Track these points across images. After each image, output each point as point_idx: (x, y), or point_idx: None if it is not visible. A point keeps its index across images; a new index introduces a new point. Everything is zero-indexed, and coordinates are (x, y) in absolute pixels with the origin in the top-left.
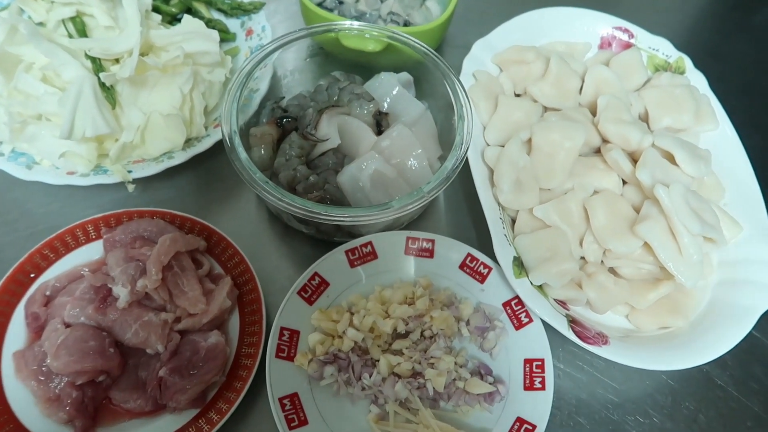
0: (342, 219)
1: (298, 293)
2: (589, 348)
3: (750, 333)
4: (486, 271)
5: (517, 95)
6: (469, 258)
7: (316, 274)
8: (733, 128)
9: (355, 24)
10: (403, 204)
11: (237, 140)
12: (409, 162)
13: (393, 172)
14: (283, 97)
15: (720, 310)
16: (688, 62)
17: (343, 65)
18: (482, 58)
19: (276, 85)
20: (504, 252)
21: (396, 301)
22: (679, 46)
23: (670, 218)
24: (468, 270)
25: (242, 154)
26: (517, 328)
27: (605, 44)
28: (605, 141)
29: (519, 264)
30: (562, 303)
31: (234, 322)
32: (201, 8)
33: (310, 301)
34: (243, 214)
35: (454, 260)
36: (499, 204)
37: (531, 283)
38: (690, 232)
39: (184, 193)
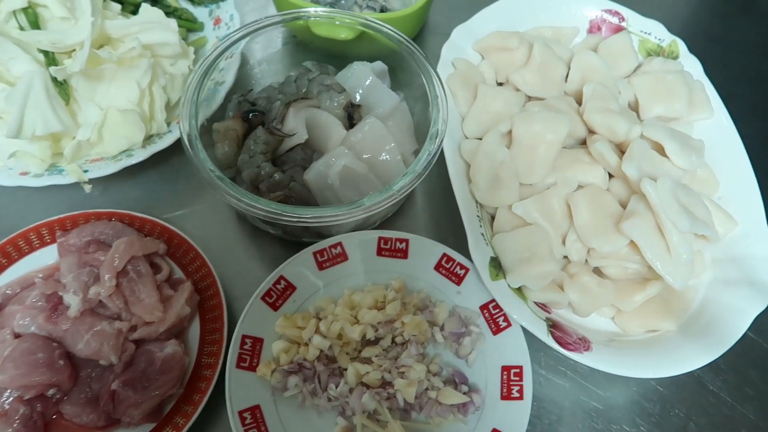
0: (305, 219)
1: (262, 298)
2: (568, 355)
3: (746, 335)
4: (463, 272)
5: (500, 84)
6: (445, 258)
7: (281, 277)
8: (730, 117)
9: (326, 11)
10: (371, 203)
11: (195, 136)
12: (382, 157)
13: (364, 168)
14: (251, 90)
15: (713, 311)
16: (682, 46)
17: (318, 55)
18: (462, 46)
19: (246, 76)
20: (480, 252)
21: (366, 305)
22: (674, 30)
23: (657, 214)
24: (444, 271)
25: (200, 151)
26: (494, 333)
27: (594, 28)
28: (591, 132)
29: (496, 265)
30: (543, 306)
31: (194, 330)
32: None
33: (275, 307)
34: (210, 213)
35: (430, 261)
36: (476, 201)
37: (509, 285)
38: (679, 229)
39: (149, 192)
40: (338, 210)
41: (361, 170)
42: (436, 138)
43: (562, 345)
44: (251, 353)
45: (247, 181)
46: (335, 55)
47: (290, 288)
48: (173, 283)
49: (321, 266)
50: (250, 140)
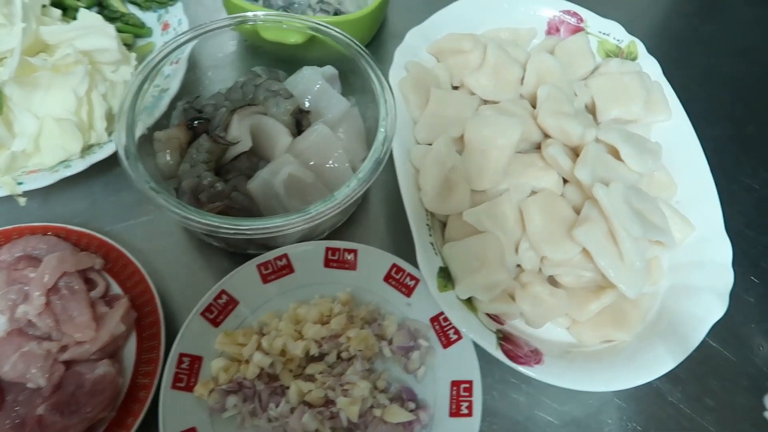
0: (244, 231)
1: (202, 314)
2: (518, 368)
3: (705, 342)
4: (413, 283)
5: (455, 88)
6: (395, 269)
7: (223, 292)
8: (688, 119)
9: (273, 14)
10: (315, 212)
11: (131, 147)
12: (329, 164)
13: (311, 176)
14: (198, 97)
15: (670, 319)
16: (640, 47)
17: (270, 60)
18: (416, 48)
19: (195, 83)
20: (428, 262)
21: (311, 319)
22: (634, 30)
23: (609, 220)
24: (393, 282)
25: (135, 162)
26: (445, 346)
27: (552, 30)
28: (546, 136)
29: (445, 275)
30: (495, 317)
31: (130, 349)
32: (114, 1)
33: (215, 323)
34: (156, 225)
35: (379, 272)
36: (426, 209)
37: (457, 296)
38: (631, 235)
39: (92, 204)
40: (279, 220)
41: (307, 178)
42: (382, 144)
43: (512, 358)
44: (189, 372)
45: (187, 192)
46: (287, 60)
47: (232, 302)
48: (109, 300)
49: (265, 279)
50: (193, 149)
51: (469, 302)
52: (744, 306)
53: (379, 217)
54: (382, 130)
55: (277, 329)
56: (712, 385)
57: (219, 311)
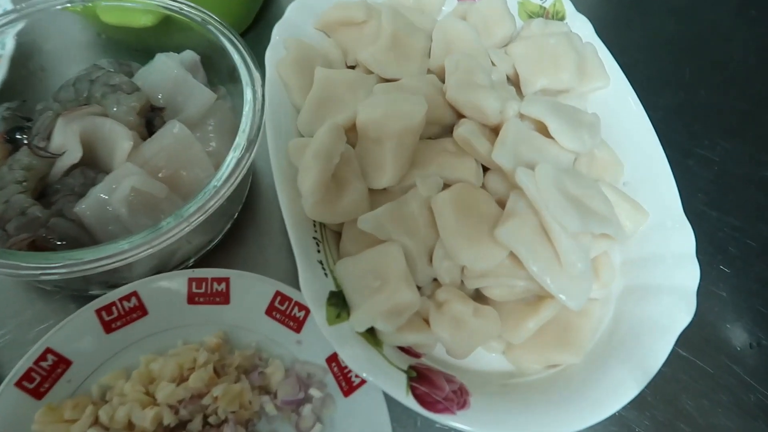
0: (53, 270)
1: (18, 384)
2: (433, 418)
3: (674, 353)
4: (302, 314)
5: (352, 68)
6: (279, 298)
7: (48, 350)
8: (629, 84)
9: None
10: (146, 239)
11: None
12: (186, 172)
13: (163, 189)
14: (24, 101)
15: (627, 331)
16: (568, 5)
17: (128, 52)
18: (301, 25)
19: (23, 84)
20: (314, 286)
21: (166, 377)
22: None
23: (540, 213)
24: (278, 315)
25: None
26: (346, 393)
27: None
28: (461, 116)
29: (339, 302)
30: (409, 350)
31: None
32: None
33: (38, 394)
34: None
35: (259, 304)
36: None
37: (353, 328)
38: (567, 230)
39: None
40: (99, 252)
41: (158, 192)
42: (244, 142)
43: (427, 405)
44: None
45: None
46: (146, 52)
47: (63, 363)
48: None
49: (109, 327)
50: (5, 167)
51: (372, 334)
52: (715, 302)
53: (261, 235)
54: (244, 122)
55: (121, 394)
56: (686, 406)
57: (43, 378)
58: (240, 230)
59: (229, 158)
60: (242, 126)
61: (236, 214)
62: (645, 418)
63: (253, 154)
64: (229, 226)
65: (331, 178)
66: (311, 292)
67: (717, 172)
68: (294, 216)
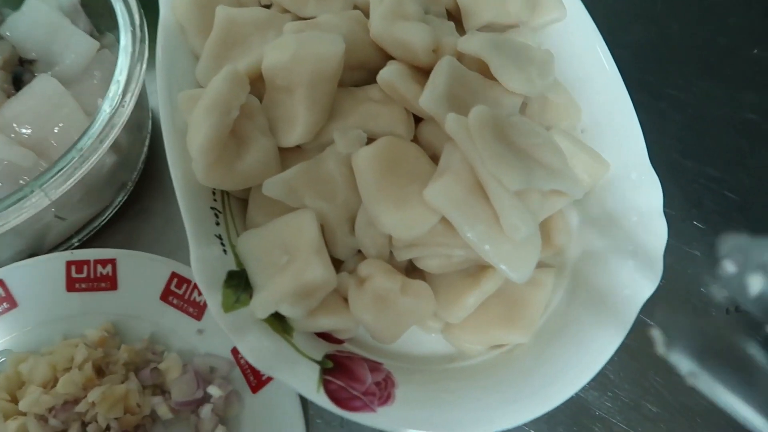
0: None
1: None
2: (349, 417)
3: (639, 321)
4: (203, 298)
5: (267, 7)
6: (176, 280)
7: None
8: (589, 16)
9: None
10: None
11: None
12: (57, 136)
13: (28, 156)
14: None
15: (584, 302)
16: None
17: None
18: None
19: None
20: (209, 265)
21: (37, 381)
22: None
23: (475, 168)
24: (175, 301)
25: None
26: (255, 389)
27: None
28: (390, 58)
29: (239, 282)
30: (328, 336)
31: None
32: None
33: None
34: None
35: (153, 288)
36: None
37: (255, 314)
38: (508, 187)
39: None
40: None
41: (22, 160)
42: (118, 95)
43: (340, 402)
44: None
45: None
46: None
47: None
48: None
49: None
50: None
51: (280, 320)
52: (688, 264)
53: (164, 208)
54: (119, 72)
55: None
56: (653, 383)
57: None
58: (138, 203)
59: (99, 116)
60: (116, 75)
61: (131, 184)
62: (606, 398)
63: (128, 109)
64: (122, 198)
65: (229, 136)
66: (204, 272)
67: (692, 116)
68: (186, 182)
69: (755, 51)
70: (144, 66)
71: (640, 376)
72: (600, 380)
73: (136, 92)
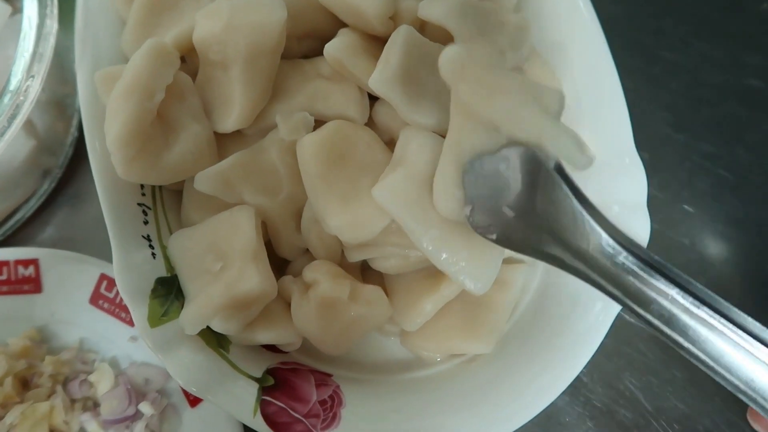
0: None
1: None
2: None
3: (619, 318)
4: None
5: None
6: (105, 283)
7: None
8: None
9: None
10: None
11: None
12: None
13: None
14: None
15: (554, 306)
16: None
17: None
18: None
19: None
20: (134, 273)
21: None
22: None
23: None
24: (106, 305)
25: None
26: (193, 404)
27: None
28: (344, 24)
29: (169, 292)
30: (273, 347)
31: None
32: None
33: None
34: None
35: (81, 290)
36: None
37: (184, 330)
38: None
39: None
40: None
41: None
42: (21, 72)
43: (279, 427)
44: None
45: None
46: None
47: None
48: None
49: None
50: None
51: (215, 332)
52: (675, 253)
53: (94, 197)
54: (23, 45)
55: None
56: (629, 386)
57: None
58: (69, 190)
59: (3, 95)
60: (20, 49)
61: (58, 170)
62: (577, 404)
63: (37, 88)
64: (48, 186)
65: (155, 122)
66: (129, 282)
67: (689, 82)
68: (107, 175)
69: (764, 5)
70: (55, 28)
71: (614, 377)
72: (571, 383)
73: (47, 64)
